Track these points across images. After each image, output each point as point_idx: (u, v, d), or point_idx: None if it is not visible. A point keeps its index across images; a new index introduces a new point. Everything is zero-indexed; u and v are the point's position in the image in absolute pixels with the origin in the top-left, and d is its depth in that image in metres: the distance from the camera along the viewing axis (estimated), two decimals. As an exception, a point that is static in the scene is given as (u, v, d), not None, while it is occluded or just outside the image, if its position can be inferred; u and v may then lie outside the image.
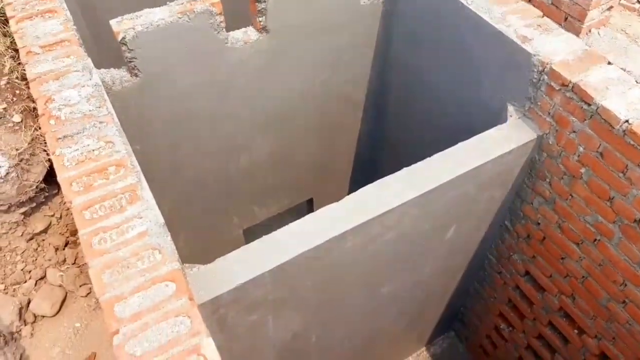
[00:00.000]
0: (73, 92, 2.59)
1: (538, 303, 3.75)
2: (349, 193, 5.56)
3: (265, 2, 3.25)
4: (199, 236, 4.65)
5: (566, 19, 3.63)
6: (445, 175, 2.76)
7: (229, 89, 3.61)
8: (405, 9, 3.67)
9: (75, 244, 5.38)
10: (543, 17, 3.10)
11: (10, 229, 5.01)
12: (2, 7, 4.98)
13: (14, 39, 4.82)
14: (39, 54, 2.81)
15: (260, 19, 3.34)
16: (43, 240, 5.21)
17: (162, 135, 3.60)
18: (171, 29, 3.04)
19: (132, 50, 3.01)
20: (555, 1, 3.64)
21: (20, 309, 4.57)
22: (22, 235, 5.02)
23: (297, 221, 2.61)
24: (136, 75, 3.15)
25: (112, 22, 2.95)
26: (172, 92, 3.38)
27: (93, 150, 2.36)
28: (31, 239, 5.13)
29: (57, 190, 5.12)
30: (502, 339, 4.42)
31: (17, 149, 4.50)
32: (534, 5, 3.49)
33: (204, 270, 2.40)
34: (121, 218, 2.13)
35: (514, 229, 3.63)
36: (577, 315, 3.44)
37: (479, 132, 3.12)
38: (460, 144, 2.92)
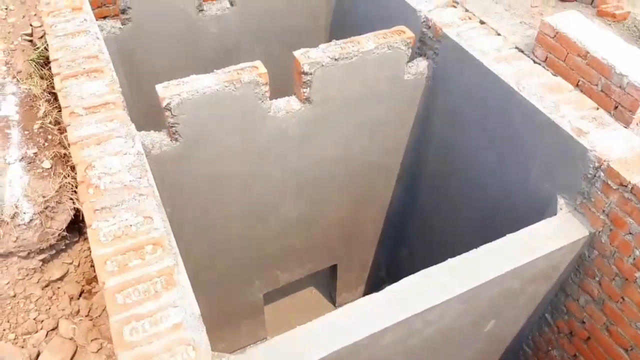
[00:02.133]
0: (114, 160, 2.52)
1: (577, 404, 3.50)
2: (373, 261, 5.42)
3: (312, 74, 3.21)
4: (219, 298, 4.50)
5: (616, 107, 3.53)
6: (494, 271, 2.61)
7: (266, 154, 3.54)
8: (450, 86, 3.60)
9: (90, 293, 5.24)
10: (597, 109, 3.01)
11: (27, 275, 4.89)
12: (42, 50, 5.04)
13: (51, 82, 4.85)
14: (82, 115, 2.77)
15: (304, 90, 3.29)
16: (58, 288, 5.08)
17: (194, 196, 3.52)
18: (216, 97, 2.99)
19: (175, 115, 2.96)
20: (606, 89, 3.56)
21: (29, 362, 4.39)
22: (37, 282, 4.90)
23: (334, 313, 2.45)
24: (176, 140, 3.09)
25: (158, 88, 2.91)
26: (209, 156, 3.31)
27: (131, 225, 2.26)
28: (47, 286, 5.00)
29: (77, 238, 5.03)
30: None
31: (43, 196, 4.44)
32: (582, 91, 3.41)
33: (234, 362, 2.24)
34: (155, 305, 2.01)
35: (554, 323, 3.43)
36: None
37: (523, 219, 2.99)
38: (508, 237, 2.78)
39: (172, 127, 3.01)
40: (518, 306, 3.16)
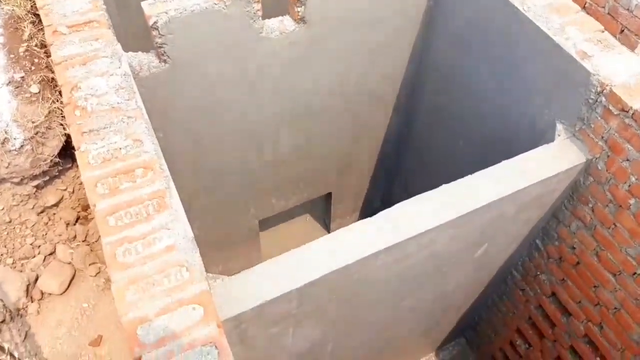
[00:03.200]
0: (101, 81, 2.43)
1: (561, 326, 3.62)
2: (368, 191, 5.43)
3: (306, -8, 3.05)
4: (214, 224, 4.53)
5: (622, 31, 3.41)
6: (488, 197, 2.60)
7: (259, 79, 3.43)
8: (452, 8, 3.44)
9: (87, 219, 5.27)
10: (603, 31, 2.89)
11: (22, 201, 4.89)
12: (24, -32, 4.77)
13: (34, 3, 4.62)
14: (65, 34, 2.64)
15: (298, 9, 3.14)
16: (54, 214, 5.10)
17: (186, 123, 3.44)
18: (205, 15, 2.85)
19: (162, 35, 2.83)
20: (613, 11, 3.41)
21: (28, 286, 4.48)
22: (33, 208, 4.90)
23: (329, 236, 2.46)
24: (165, 62, 2.97)
25: (144, 5, 2.75)
26: (200, 79, 3.20)
27: (120, 148, 2.21)
28: (42, 212, 5.01)
29: (71, 164, 4.98)
30: (517, 354, 4.31)
31: (33, 122, 4.34)
32: (588, 14, 3.27)
33: (229, 284, 2.26)
34: (147, 228, 1.99)
35: (544, 249, 3.48)
36: (603, 345, 3.31)
37: (521, 147, 2.95)
38: (504, 163, 2.75)
39: (160, 47, 2.88)
40: (510, 232, 3.19)
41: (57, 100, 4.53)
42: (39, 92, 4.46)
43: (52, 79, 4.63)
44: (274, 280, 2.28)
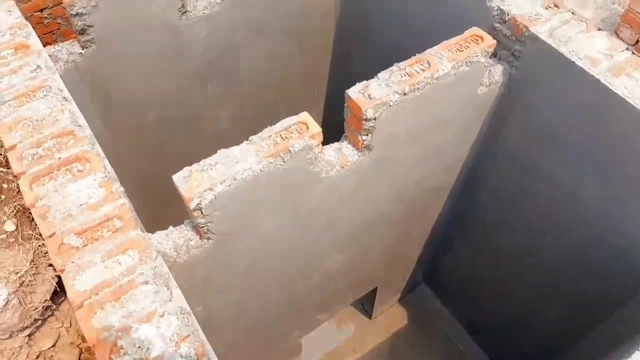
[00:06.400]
0: (150, 331, 1.69)
1: None
2: (412, 272, 4.77)
3: (375, 119, 2.34)
4: (257, 354, 3.82)
5: None
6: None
7: (314, 218, 2.73)
8: (537, 98, 2.80)
9: (90, 352, 4.47)
10: None
11: (13, 354, 4.06)
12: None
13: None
14: (78, 248, 1.88)
15: (364, 137, 2.44)
16: (51, 356, 4.28)
17: (228, 287, 2.71)
18: (259, 178, 2.12)
19: (207, 215, 2.09)
20: None
21: None
22: (27, 357, 4.08)
23: None
24: (208, 238, 2.24)
25: (178, 181, 2.01)
26: (248, 242, 2.47)
27: None
28: (38, 357, 4.19)
29: (63, 298, 4.16)
30: None
31: (16, 272, 3.52)
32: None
33: None
34: None
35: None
36: None
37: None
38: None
39: (203, 227, 2.14)
40: None
41: (41, 236, 3.70)
42: (16, 229, 3.61)
43: (29, 207, 3.78)
44: None
